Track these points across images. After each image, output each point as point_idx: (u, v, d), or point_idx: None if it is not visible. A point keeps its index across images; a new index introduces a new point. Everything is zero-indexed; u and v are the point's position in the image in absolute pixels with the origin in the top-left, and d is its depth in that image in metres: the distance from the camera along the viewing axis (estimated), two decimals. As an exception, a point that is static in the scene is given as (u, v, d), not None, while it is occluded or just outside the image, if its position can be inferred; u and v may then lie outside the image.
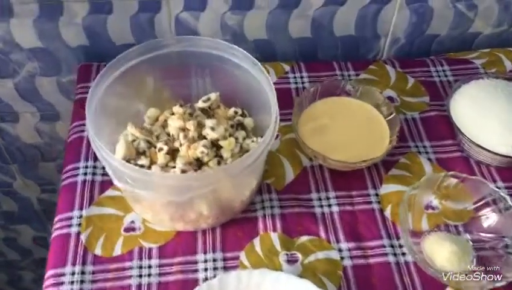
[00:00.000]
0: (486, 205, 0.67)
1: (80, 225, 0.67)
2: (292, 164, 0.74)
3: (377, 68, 0.88)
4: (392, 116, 0.74)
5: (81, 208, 0.68)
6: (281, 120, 0.67)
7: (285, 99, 0.82)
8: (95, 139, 0.58)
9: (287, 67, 0.87)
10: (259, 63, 0.67)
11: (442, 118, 0.80)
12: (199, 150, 0.65)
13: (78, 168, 0.72)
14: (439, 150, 0.77)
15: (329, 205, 0.70)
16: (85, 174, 0.72)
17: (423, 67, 0.88)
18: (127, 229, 0.67)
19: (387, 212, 0.70)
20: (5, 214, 1.27)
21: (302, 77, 0.86)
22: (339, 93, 0.78)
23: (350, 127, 0.74)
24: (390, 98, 0.83)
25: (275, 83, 0.82)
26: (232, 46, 0.68)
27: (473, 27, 0.93)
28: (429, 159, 0.75)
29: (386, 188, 0.72)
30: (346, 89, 0.77)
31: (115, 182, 0.56)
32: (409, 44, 0.94)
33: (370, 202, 0.71)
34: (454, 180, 0.67)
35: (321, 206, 0.70)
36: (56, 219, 0.68)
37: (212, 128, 0.67)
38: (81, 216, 0.68)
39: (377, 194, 0.71)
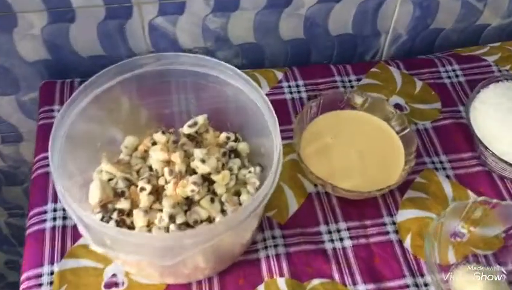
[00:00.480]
0: (519, 230, 0.59)
1: (51, 283, 0.56)
2: (295, 191, 0.65)
3: (380, 71, 0.78)
4: (406, 131, 0.65)
5: (51, 262, 0.58)
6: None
7: (281, 112, 0.72)
8: (61, 190, 0.47)
9: (279, 75, 0.77)
10: (252, 81, 0.57)
11: (457, 127, 0.72)
12: (189, 188, 0.55)
13: (45, 212, 0.62)
14: (457, 164, 0.68)
15: (341, 239, 0.61)
16: (54, 219, 0.61)
17: (430, 67, 0.79)
18: (108, 285, 0.57)
19: (407, 244, 0.61)
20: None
21: (297, 85, 0.76)
22: (343, 106, 0.68)
23: (358, 146, 0.65)
24: (398, 106, 0.74)
25: (267, 94, 0.73)
26: (220, 63, 0.57)
27: (480, 19, 0.84)
28: (447, 177, 0.67)
29: (403, 215, 0.63)
30: (351, 102, 0.68)
31: (91, 244, 0.46)
32: (411, 40, 0.85)
33: (387, 233, 0.62)
34: (483, 206, 0.59)
35: (331, 240, 0.61)
36: (23, 277, 0.57)
37: (203, 161, 0.57)
38: (52, 272, 0.57)
39: (393, 222, 0.63)
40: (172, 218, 0.54)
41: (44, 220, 0.61)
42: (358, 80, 0.77)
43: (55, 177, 0.48)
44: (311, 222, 0.62)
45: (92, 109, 0.56)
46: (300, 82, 0.76)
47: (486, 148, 0.64)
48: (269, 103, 0.55)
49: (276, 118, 0.53)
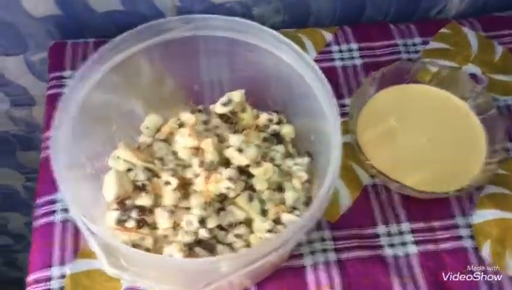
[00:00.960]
0: None
1: (62, 289, 0.48)
2: (348, 183, 0.54)
3: (451, 32, 0.65)
4: (491, 112, 0.52)
5: (62, 263, 0.49)
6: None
7: (331, 83, 0.60)
8: (68, 200, 0.37)
9: (328, 36, 0.65)
10: (299, 49, 0.45)
11: (547, 104, 0.59)
12: (223, 184, 0.45)
13: (54, 201, 0.53)
14: (548, 152, 0.56)
15: (404, 244, 0.51)
16: (65, 210, 0.52)
17: (513, 27, 0.65)
18: (128, 293, 0.48)
19: (486, 252, 0.50)
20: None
21: (350, 50, 0.63)
22: (409, 80, 0.56)
23: (428, 130, 0.53)
24: (474, 77, 0.61)
25: (315, 60, 0.61)
26: (259, 27, 0.46)
27: None
28: (536, 167, 0.55)
29: (481, 216, 0.52)
30: (419, 75, 0.55)
31: (105, 266, 0.36)
32: (487, -8, 0.70)
33: (459, 237, 0.51)
34: None
35: (392, 245, 0.51)
36: (29, 279, 0.49)
37: (240, 150, 0.47)
38: (63, 276, 0.49)
39: (468, 225, 0.52)
40: (202, 221, 0.44)
41: (54, 212, 0.52)
42: (425, 43, 0.64)
43: (56, 171, 0.38)
44: (366, 221, 0.52)
45: (108, 79, 0.46)
46: (354, 45, 0.64)
47: None
48: (324, 79, 0.44)
49: (335, 102, 0.42)
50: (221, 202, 0.47)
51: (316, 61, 0.61)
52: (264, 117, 0.50)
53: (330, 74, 0.61)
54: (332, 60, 0.63)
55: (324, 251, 0.50)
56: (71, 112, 0.43)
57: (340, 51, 0.63)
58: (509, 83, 0.61)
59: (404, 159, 0.51)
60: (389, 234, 0.51)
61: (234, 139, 0.47)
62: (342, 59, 0.63)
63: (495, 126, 0.51)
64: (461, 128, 0.53)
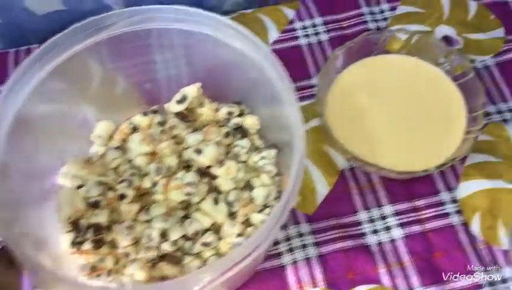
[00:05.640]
0: None
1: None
2: (323, 169, 0.50)
3: (420, -7, 0.60)
4: (468, 77, 0.48)
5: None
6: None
7: (296, 62, 0.56)
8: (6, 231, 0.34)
9: (290, 13, 0.60)
10: (251, 36, 0.41)
11: (527, 60, 0.55)
12: (184, 190, 0.41)
13: None
14: (532, 112, 0.52)
15: (388, 229, 0.47)
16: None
17: (486, -19, 0.61)
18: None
19: (475, 227, 0.47)
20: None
21: (314, 25, 0.59)
22: (378, 52, 0.52)
23: (403, 104, 0.49)
24: (448, 39, 0.56)
25: (277, 41, 0.57)
26: (212, 16, 0.41)
27: None
28: (521, 130, 0.51)
29: (467, 188, 0.49)
30: (389, 44, 0.51)
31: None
32: None
33: (446, 215, 0.48)
34: None
35: (375, 231, 0.47)
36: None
37: (198, 151, 0.43)
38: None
39: (454, 200, 0.48)
40: (164, 234, 0.40)
41: None
42: (392, 9, 0.59)
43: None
44: (347, 208, 0.48)
45: (48, 85, 0.41)
46: (318, 19, 0.59)
47: None
48: (276, 62, 0.40)
49: (291, 87, 0.38)
50: (186, 209, 0.43)
51: (280, 41, 0.58)
52: (223, 110, 0.46)
53: (295, 53, 0.57)
54: (297, 38, 0.58)
55: (303, 246, 0.47)
56: (3, 129, 0.38)
57: (304, 28, 0.59)
58: (485, 41, 0.56)
59: (379, 138, 0.47)
60: (371, 220, 0.48)
61: (191, 139, 0.44)
62: (307, 36, 0.58)
63: (473, 91, 0.47)
64: (437, 97, 0.49)
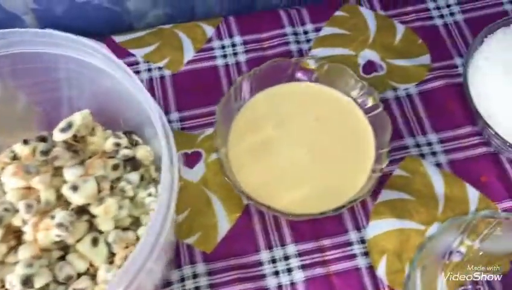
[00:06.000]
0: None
1: None
2: (226, 203, 0.47)
3: (347, 14, 0.57)
4: (377, 111, 0.45)
5: None
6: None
7: (210, 85, 0.53)
8: None
9: (209, 30, 0.57)
10: (115, 60, 0.38)
11: (452, 90, 0.52)
12: (52, 232, 0.38)
13: None
14: (452, 146, 0.50)
15: (290, 270, 0.44)
16: None
17: (418, 3, 0.58)
18: None
19: (381, 271, 0.44)
20: None
21: (234, 44, 0.56)
22: (288, 79, 0.48)
23: (309, 138, 0.46)
24: (372, 64, 0.54)
25: (192, 61, 0.54)
26: (73, 38, 0.38)
27: None
28: (438, 165, 0.48)
29: (377, 227, 0.46)
30: (301, 69, 0.48)
31: None
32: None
33: (353, 256, 0.45)
34: (491, 220, 0.41)
35: (276, 273, 0.44)
36: None
37: (75, 188, 0.39)
38: None
39: (362, 240, 0.45)
40: (27, 281, 0.37)
41: None
42: (317, 30, 0.56)
43: None
44: (248, 247, 0.45)
45: None
46: (238, 39, 0.56)
47: (487, 125, 0.45)
48: (144, 90, 0.37)
49: (157, 109, 0.35)
50: (64, 248, 0.40)
51: (195, 61, 0.55)
52: (109, 141, 0.43)
53: (211, 74, 0.54)
54: (214, 58, 0.55)
55: (196, 289, 0.43)
56: None
57: (223, 47, 0.56)
58: (410, 68, 0.54)
59: (281, 175, 0.44)
60: (273, 261, 0.45)
61: (69, 174, 0.40)
62: (224, 56, 0.55)
63: (382, 127, 0.44)
64: (347, 131, 0.46)
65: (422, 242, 0.41)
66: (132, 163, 0.43)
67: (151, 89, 0.53)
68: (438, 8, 0.57)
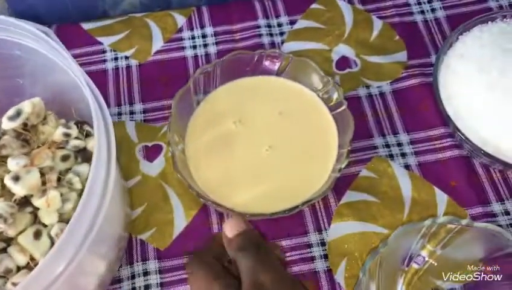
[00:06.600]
0: (505, 258, 0.40)
1: None
2: (184, 199, 0.45)
3: (324, 8, 0.55)
4: (341, 109, 0.43)
5: None
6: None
7: (177, 77, 0.51)
8: None
9: (181, 20, 0.55)
10: (69, 56, 0.36)
11: (426, 88, 0.50)
12: (-10, 224, 0.36)
13: None
14: (423, 147, 0.48)
15: (245, 271, 0.42)
16: None
17: (397, -2, 0.56)
18: None
19: (340, 275, 0.42)
20: None
21: (204, 35, 0.54)
22: (252, 72, 0.46)
23: (271, 134, 0.44)
24: (345, 60, 0.52)
25: (160, 51, 0.52)
26: (30, 29, 0.37)
27: None
28: (407, 167, 0.46)
29: (338, 229, 0.44)
30: (265, 63, 0.46)
31: None
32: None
33: (311, 259, 0.43)
34: (451, 227, 0.39)
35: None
36: None
37: (16, 178, 0.37)
38: None
39: (323, 242, 0.44)
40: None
41: None
42: (292, 22, 0.54)
43: None
44: (203, 245, 0.44)
45: None
46: (209, 29, 0.54)
47: (457, 129, 0.43)
48: (82, 79, 0.35)
49: (98, 100, 0.34)
50: (6, 240, 0.39)
51: (163, 51, 0.53)
52: (59, 132, 0.41)
53: (179, 65, 0.52)
54: (183, 48, 0.53)
55: (146, 288, 0.42)
56: None
57: (192, 37, 0.54)
58: (385, 65, 0.51)
59: (239, 173, 0.42)
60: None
61: (12, 164, 0.38)
62: (194, 47, 0.53)
63: (345, 125, 0.43)
64: (311, 128, 0.44)
65: (376, 246, 0.39)
66: (84, 154, 0.42)
67: (116, 79, 0.51)
68: (419, 3, 0.55)
